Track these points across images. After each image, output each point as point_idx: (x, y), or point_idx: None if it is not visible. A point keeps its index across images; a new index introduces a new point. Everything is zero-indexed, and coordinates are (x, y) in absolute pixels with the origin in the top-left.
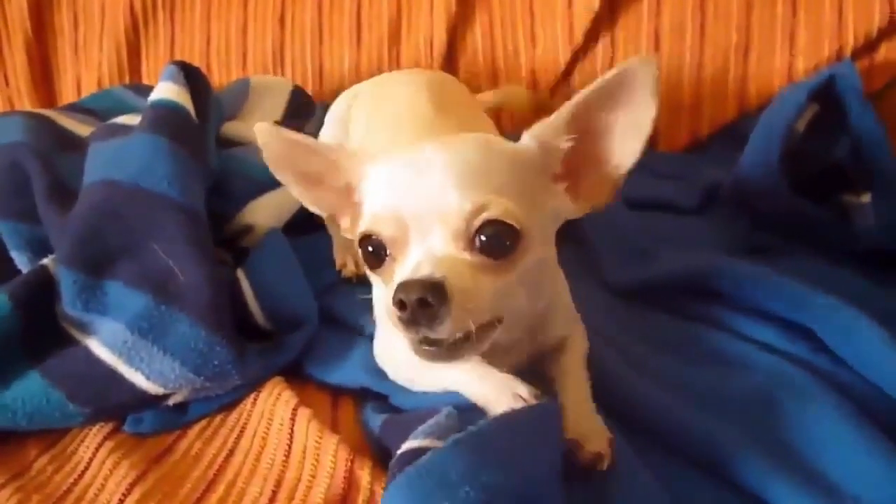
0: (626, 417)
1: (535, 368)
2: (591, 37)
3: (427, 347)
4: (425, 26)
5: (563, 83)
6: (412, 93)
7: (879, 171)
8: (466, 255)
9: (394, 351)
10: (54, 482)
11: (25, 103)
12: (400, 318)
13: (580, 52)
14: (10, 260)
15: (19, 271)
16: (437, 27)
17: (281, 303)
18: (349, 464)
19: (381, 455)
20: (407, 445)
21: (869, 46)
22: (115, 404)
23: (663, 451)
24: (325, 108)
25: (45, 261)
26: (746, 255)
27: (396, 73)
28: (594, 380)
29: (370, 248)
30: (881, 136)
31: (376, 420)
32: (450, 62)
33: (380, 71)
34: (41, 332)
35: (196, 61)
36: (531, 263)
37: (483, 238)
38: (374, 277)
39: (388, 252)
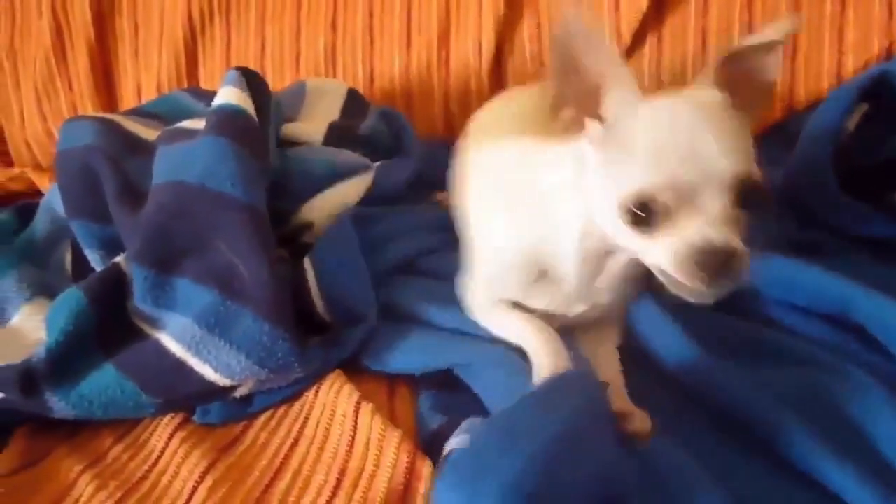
0: (678, 394)
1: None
2: (639, 37)
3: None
4: (474, 29)
5: None
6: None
7: None
8: (737, 217)
9: (483, 296)
10: (129, 469)
11: (88, 107)
12: (702, 278)
13: (628, 52)
14: (85, 258)
15: (93, 269)
16: (486, 30)
17: (342, 297)
18: (411, 456)
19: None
20: (450, 445)
21: None
22: (184, 395)
23: (715, 429)
24: (378, 109)
25: (118, 259)
26: (796, 253)
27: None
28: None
29: (636, 209)
30: None
31: (434, 421)
32: (498, 64)
33: (429, 73)
34: (114, 327)
35: (251, 65)
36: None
37: (743, 197)
38: (628, 231)
39: (658, 212)
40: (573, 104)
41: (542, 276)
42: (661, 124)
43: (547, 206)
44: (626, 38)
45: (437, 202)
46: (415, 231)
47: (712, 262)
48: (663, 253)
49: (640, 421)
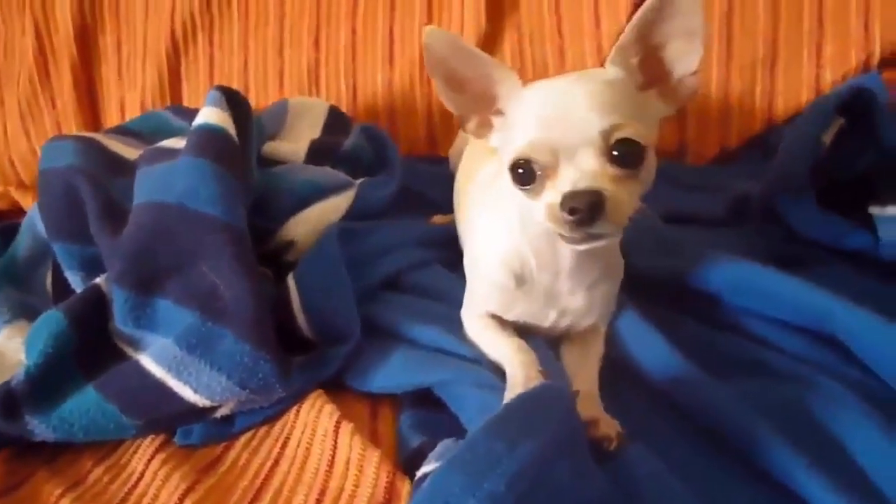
0: (660, 404)
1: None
2: None
3: (580, 236)
4: None
5: None
6: None
7: None
8: (609, 168)
9: (477, 313)
10: (110, 491)
11: (72, 125)
12: (571, 221)
13: None
14: (66, 279)
15: (73, 290)
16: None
17: (325, 315)
18: (391, 476)
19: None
20: (421, 472)
21: None
22: (165, 416)
23: (694, 438)
24: (360, 127)
25: (98, 280)
26: (775, 266)
27: None
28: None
29: (521, 171)
30: None
31: (414, 440)
32: None
33: (412, 90)
34: (95, 349)
35: (234, 82)
36: (648, 168)
37: (617, 153)
38: (519, 193)
39: (538, 173)
40: (474, 112)
41: (521, 283)
42: (539, 97)
43: (510, 209)
44: (607, 52)
45: (430, 222)
46: (399, 247)
47: (575, 205)
48: (542, 207)
49: (606, 426)
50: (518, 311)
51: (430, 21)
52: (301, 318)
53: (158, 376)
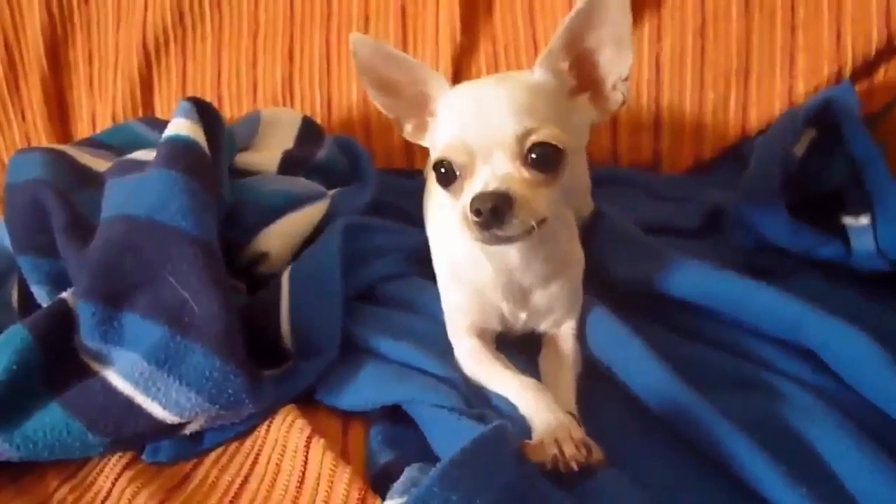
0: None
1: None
2: None
3: (485, 237)
4: (430, 57)
5: None
6: None
7: (877, 193)
8: (523, 172)
9: (464, 340)
10: None
11: (42, 138)
12: (476, 223)
13: None
14: (31, 294)
15: (39, 305)
16: (443, 57)
17: (311, 322)
18: (362, 493)
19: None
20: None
21: (868, 67)
22: (133, 434)
23: (671, 450)
24: (334, 138)
25: (65, 294)
26: (749, 275)
27: None
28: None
29: (443, 171)
30: (878, 159)
31: (383, 456)
32: None
33: None
34: (61, 365)
35: (207, 94)
36: (571, 171)
37: (533, 156)
38: (444, 195)
39: (458, 173)
40: (409, 115)
41: (476, 291)
42: (460, 100)
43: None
44: None
45: None
46: (386, 254)
47: (482, 206)
48: (458, 208)
49: (580, 448)
50: (492, 317)
51: (404, 33)
52: (286, 321)
53: (126, 392)
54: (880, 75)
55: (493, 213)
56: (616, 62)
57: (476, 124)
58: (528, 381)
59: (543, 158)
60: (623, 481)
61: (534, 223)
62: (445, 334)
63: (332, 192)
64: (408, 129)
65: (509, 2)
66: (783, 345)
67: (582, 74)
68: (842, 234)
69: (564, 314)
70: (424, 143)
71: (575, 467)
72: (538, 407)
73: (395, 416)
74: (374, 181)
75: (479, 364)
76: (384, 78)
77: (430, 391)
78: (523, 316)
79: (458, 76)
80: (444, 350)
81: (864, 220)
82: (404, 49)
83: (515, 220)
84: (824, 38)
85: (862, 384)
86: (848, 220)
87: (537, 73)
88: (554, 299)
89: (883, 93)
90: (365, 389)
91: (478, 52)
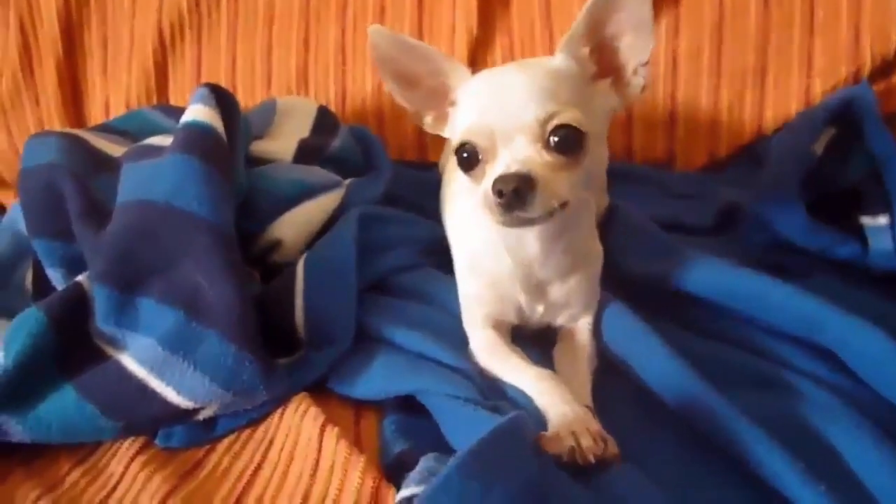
0: (652, 408)
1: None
2: None
3: (507, 219)
4: (446, 49)
5: None
6: None
7: None
8: (545, 155)
9: (480, 331)
10: (87, 495)
11: (56, 123)
12: (499, 204)
13: None
14: (47, 277)
15: (54, 288)
16: (459, 49)
17: (325, 311)
18: (376, 481)
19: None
20: (401, 495)
21: (886, 68)
22: (146, 418)
23: (686, 444)
24: (349, 127)
25: (80, 278)
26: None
27: None
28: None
29: (465, 154)
30: None
31: (397, 445)
32: None
33: None
34: (75, 348)
35: (221, 82)
36: (593, 156)
37: (555, 139)
38: (465, 179)
39: (480, 157)
40: (429, 107)
41: (495, 283)
42: (481, 85)
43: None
44: None
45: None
46: (400, 245)
47: (502, 188)
48: (480, 192)
49: (598, 441)
50: (509, 309)
51: (420, 25)
52: (300, 309)
53: (140, 377)
54: None
55: (515, 194)
56: (636, 48)
57: (498, 108)
58: (544, 373)
59: (565, 141)
60: (638, 476)
61: (556, 205)
62: (460, 326)
63: (347, 181)
64: (428, 121)
65: None
66: (800, 343)
67: (603, 60)
68: (859, 233)
69: (582, 309)
70: (445, 134)
71: (592, 459)
72: (554, 399)
73: (408, 406)
74: (389, 172)
75: (494, 355)
76: (403, 70)
77: (444, 382)
78: (540, 309)
79: (473, 69)
80: (459, 341)
81: (883, 220)
82: (420, 39)
83: (537, 201)
84: (842, 39)
85: (880, 382)
86: (866, 220)
87: (558, 59)
88: (572, 293)
89: None
90: (378, 379)
91: (493, 44)
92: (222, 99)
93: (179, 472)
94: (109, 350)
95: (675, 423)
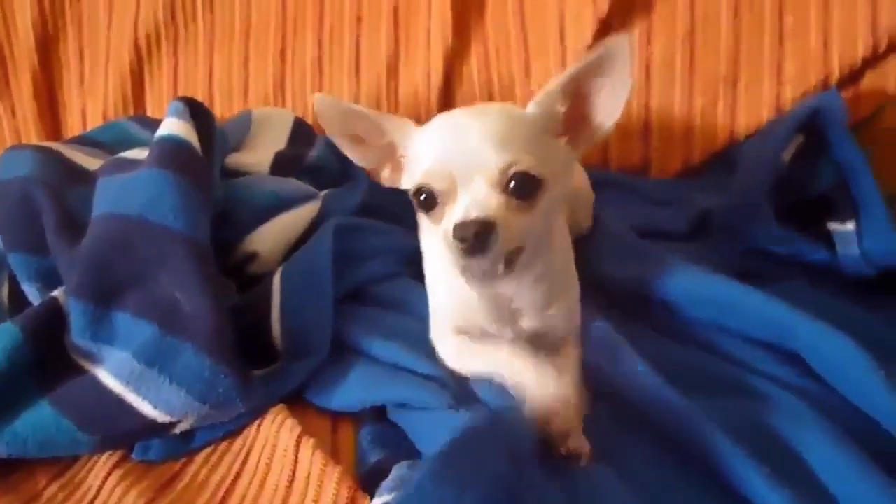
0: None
1: None
2: None
3: (475, 271)
4: (423, 59)
5: None
6: None
7: (862, 199)
8: (503, 198)
9: (447, 339)
10: None
11: (32, 134)
12: (462, 249)
13: None
14: (22, 292)
15: (30, 303)
16: (434, 60)
17: (302, 322)
18: (352, 491)
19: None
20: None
21: (854, 75)
22: (123, 432)
23: (658, 451)
24: (325, 138)
25: (55, 292)
26: (736, 281)
27: None
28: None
29: (423, 196)
30: (863, 165)
31: (373, 455)
32: (446, 93)
33: (378, 102)
34: (51, 363)
35: (199, 94)
36: (549, 202)
37: (514, 185)
38: (425, 220)
39: (438, 199)
40: (383, 162)
41: (463, 302)
42: (436, 131)
43: None
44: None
45: None
46: (377, 255)
47: (465, 233)
48: (441, 232)
49: (578, 441)
50: (476, 331)
51: (396, 35)
52: (276, 321)
53: (116, 391)
54: (866, 83)
55: (476, 238)
56: (610, 109)
57: (457, 151)
58: (517, 351)
59: (523, 187)
60: (611, 478)
61: (513, 247)
62: None
63: (323, 192)
64: (385, 175)
65: (501, 3)
66: (770, 348)
67: (568, 117)
68: (828, 239)
69: (562, 336)
70: (402, 186)
71: (563, 452)
72: (529, 375)
73: (384, 415)
74: (366, 182)
75: (463, 355)
76: (350, 132)
77: (420, 391)
78: (509, 334)
79: (449, 77)
80: (434, 350)
81: (850, 226)
82: (397, 50)
83: (498, 243)
84: (812, 46)
85: (847, 388)
86: (834, 226)
87: (531, 109)
88: (548, 325)
89: (868, 100)
90: (354, 390)
91: (469, 54)
92: (197, 112)
93: (156, 484)
94: (86, 364)
95: (648, 428)
